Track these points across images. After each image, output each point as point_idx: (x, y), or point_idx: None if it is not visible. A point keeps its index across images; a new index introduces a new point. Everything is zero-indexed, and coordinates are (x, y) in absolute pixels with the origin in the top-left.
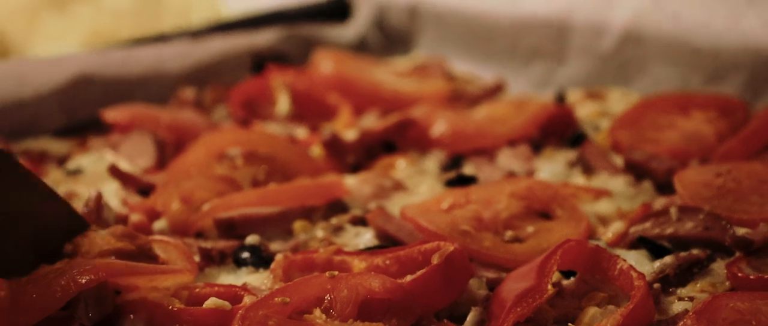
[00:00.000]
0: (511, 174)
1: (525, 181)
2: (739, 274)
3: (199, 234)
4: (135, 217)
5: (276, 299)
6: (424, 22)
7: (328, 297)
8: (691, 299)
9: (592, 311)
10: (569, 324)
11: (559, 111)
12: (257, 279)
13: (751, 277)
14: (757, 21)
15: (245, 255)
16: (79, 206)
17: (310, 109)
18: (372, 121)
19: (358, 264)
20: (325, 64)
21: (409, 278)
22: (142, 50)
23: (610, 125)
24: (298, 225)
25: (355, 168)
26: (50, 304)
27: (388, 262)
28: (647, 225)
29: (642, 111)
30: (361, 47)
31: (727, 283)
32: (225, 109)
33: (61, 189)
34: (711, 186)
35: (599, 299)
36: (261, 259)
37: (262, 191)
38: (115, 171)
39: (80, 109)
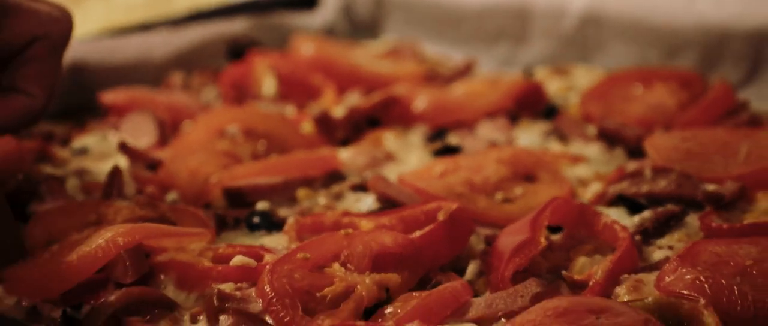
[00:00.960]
0: (493, 144)
1: (510, 149)
2: (713, 224)
3: (207, 205)
4: (148, 190)
5: (298, 255)
6: (391, 8)
7: (344, 252)
8: (670, 248)
9: (582, 260)
10: (562, 272)
11: (531, 86)
12: (272, 241)
13: (724, 226)
14: (709, 2)
15: (257, 219)
16: (91, 181)
17: (294, 90)
18: (357, 100)
19: (365, 224)
20: (306, 47)
21: (418, 233)
22: (128, 39)
23: (580, 98)
24: (301, 192)
25: (343, 143)
26: (90, 265)
27: (393, 222)
28: (624, 184)
29: (609, 84)
30: (329, 34)
31: (701, 234)
32: (212, 92)
33: (72, 166)
34: (679, 150)
35: (586, 250)
36: (272, 223)
37: (265, 163)
38: (124, 148)
39: (75, 94)
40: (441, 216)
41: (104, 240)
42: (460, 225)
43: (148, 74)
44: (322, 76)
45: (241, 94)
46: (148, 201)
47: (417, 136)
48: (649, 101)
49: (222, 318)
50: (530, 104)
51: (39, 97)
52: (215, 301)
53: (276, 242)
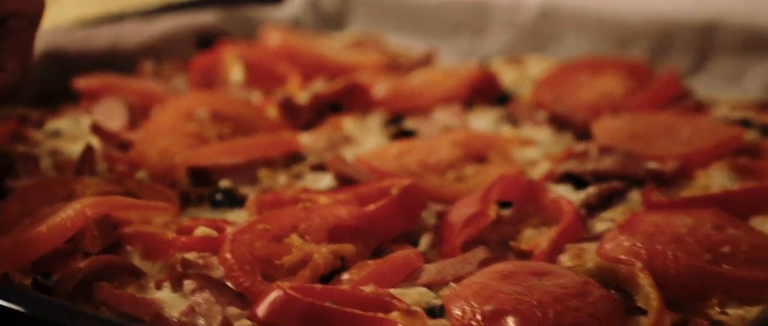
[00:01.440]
0: (447, 128)
1: (463, 132)
2: (653, 199)
3: (172, 184)
4: (119, 168)
5: (258, 226)
6: (356, 2)
7: (302, 224)
8: (612, 220)
9: (529, 232)
10: (510, 242)
11: (486, 75)
12: (234, 216)
13: (664, 200)
14: None
15: (219, 197)
16: (64, 160)
17: (261, 77)
18: (321, 86)
19: (323, 199)
20: (273, 37)
21: (372, 207)
22: (101, 29)
23: (533, 86)
24: (262, 172)
25: (305, 128)
26: (59, 235)
27: (349, 197)
28: (571, 163)
29: (561, 73)
30: (296, 27)
31: (643, 208)
32: (182, 80)
33: (46, 147)
34: (624, 132)
35: (533, 223)
36: (234, 200)
37: (228, 144)
38: (96, 129)
39: (49, 80)
40: (394, 191)
41: (73, 211)
42: (412, 200)
43: (119, 62)
44: (287, 64)
45: (209, 81)
46: (115, 178)
47: (375, 121)
48: (598, 88)
49: (186, 282)
50: (485, 92)
51: (15, 72)
52: (179, 268)
53: (237, 217)
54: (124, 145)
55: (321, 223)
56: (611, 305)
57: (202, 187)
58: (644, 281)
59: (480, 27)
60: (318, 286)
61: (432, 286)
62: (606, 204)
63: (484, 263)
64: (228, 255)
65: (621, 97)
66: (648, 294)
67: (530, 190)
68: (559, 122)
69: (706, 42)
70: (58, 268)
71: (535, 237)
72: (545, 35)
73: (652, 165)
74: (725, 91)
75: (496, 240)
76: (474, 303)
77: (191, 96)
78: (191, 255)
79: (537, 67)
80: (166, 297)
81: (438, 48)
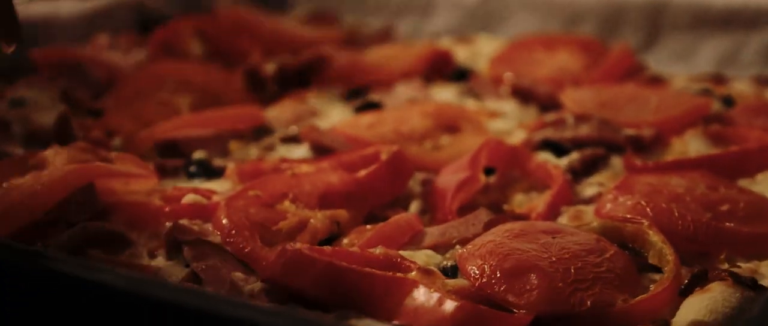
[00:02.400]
0: (412, 101)
1: (432, 103)
2: (638, 164)
3: (141, 156)
4: (95, 134)
5: (250, 192)
6: None
7: (292, 191)
8: (600, 184)
9: (519, 197)
10: (503, 206)
11: (441, 51)
12: (214, 186)
13: (650, 164)
14: None
15: (194, 168)
16: (35, 129)
17: (220, 51)
18: (286, 59)
19: (305, 168)
20: (231, 12)
21: (363, 172)
22: (37, 4)
23: (489, 63)
24: (233, 144)
25: (270, 100)
26: (42, 204)
27: (332, 165)
28: (549, 131)
29: (514, 50)
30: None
31: (626, 173)
32: (140, 53)
33: (12, 116)
34: (594, 101)
35: (521, 188)
36: (210, 171)
37: (194, 116)
38: (66, 97)
39: None
40: (384, 156)
41: (56, 178)
42: (401, 166)
43: (56, 35)
44: (247, 38)
45: (169, 55)
46: (89, 147)
47: (335, 95)
48: (554, 64)
49: (186, 249)
50: (440, 68)
51: None
52: (174, 234)
53: (219, 186)
54: (95, 113)
55: (312, 190)
56: (626, 261)
57: (171, 159)
58: (655, 238)
59: (426, 7)
60: (327, 248)
61: (437, 248)
62: (590, 169)
63: (489, 224)
64: (225, 221)
65: (578, 71)
66: (662, 249)
67: (514, 156)
68: (522, 95)
69: (656, 19)
70: (39, 238)
71: (526, 202)
72: (492, 15)
73: (629, 131)
74: (676, 67)
75: (487, 205)
76: (492, 261)
77: (160, 65)
78: (183, 222)
79: (487, 45)
80: (162, 264)
81: (394, 24)
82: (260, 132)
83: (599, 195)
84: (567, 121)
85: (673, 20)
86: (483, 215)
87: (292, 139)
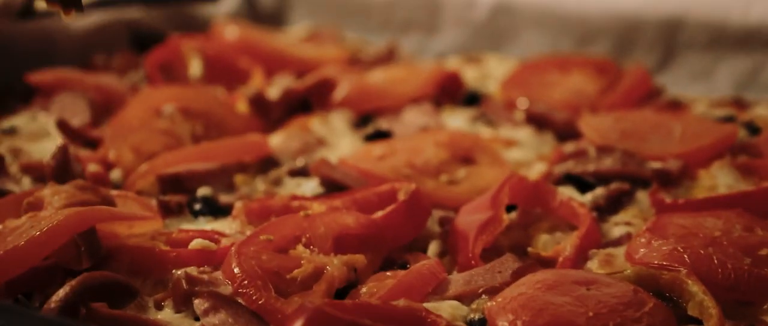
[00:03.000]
0: (424, 128)
1: (446, 132)
2: (667, 200)
3: (139, 192)
4: (92, 168)
5: (261, 237)
6: (296, 2)
7: (306, 234)
8: (627, 224)
9: (543, 238)
10: (528, 248)
11: (451, 73)
12: (221, 226)
13: (679, 202)
14: None
15: (199, 206)
16: (29, 161)
17: (221, 73)
18: (289, 82)
19: (317, 207)
20: (230, 31)
21: (380, 213)
22: (29, 24)
23: (500, 86)
24: (239, 178)
25: (275, 126)
26: (39, 251)
27: (346, 204)
28: (570, 164)
29: (527, 71)
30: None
31: (652, 210)
32: (137, 74)
33: (4, 147)
34: (615, 130)
35: (545, 228)
36: (216, 209)
37: (197, 148)
38: (62, 126)
39: None
40: (402, 196)
41: (54, 224)
42: (419, 206)
43: (50, 58)
44: (248, 59)
45: (167, 76)
46: (88, 186)
47: (341, 121)
48: (568, 86)
49: (196, 301)
50: (450, 91)
51: None
52: (184, 285)
53: (226, 227)
54: (92, 144)
55: (326, 232)
56: (667, 314)
57: (174, 195)
58: (695, 288)
59: (431, 24)
60: (348, 302)
61: (462, 298)
62: (615, 206)
63: (517, 273)
64: (236, 270)
65: (594, 95)
66: (702, 301)
67: (536, 193)
68: (538, 121)
69: (671, 38)
70: (37, 286)
71: (552, 243)
72: (500, 32)
73: (654, 164)
74: (693, 87)
75: (510, 247)
76: (525, 317)
77: (159, 90)
78: (191, 270)
79: (498, 66)
80: (170, 318)
81: (398, 42)
82: (267, 164)
83: (628, 236)
84: (589, 152)
85: (689, 38)
86: (510, 262)
87: (300, 172)
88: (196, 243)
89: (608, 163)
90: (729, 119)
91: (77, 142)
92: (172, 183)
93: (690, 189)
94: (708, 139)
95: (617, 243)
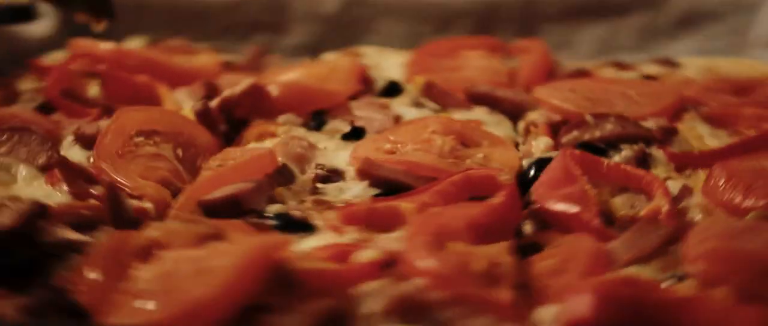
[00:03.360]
0: (397, 118)
1: (437, 119)
2: (694, 153)
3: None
4: (142, 205)
5: (421, 238)
6: (124, 13)
7: (446, 230)
8: (668, 178)
9: (617, 201)
10: (619, 213)
11: (363, 67)
12: (313, 241)
13: (706, 151)
14: None
15: (276, 222)
16: None
17: (119, 91)
18: (197, 95)
19: (405, 205)
20: (103, 46)
21: (498, 199)
22: None
23: (407, 74)
24: (280, 191)
25: (228, 141)
26: (232, 293)
27: (434, 198)
28: (575, 133)
29: (421, 59)
30: (55, 44)
31: (671, 165)
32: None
33: None
34: (579, 98)
35: (607, 194)
36: (292, 223)
37: (216, 172)
38: (63, 165)
39: None
40: (505, 180)
41: (238, 262)
42: (516, 190)
43: None
44: (146, 75)
45: (73, 98)
46: (191, 218)
47: (299, 126)
48: (477, 66)
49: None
50: (367, 84)
51: None
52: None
53: (322, 240)
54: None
55: (458, 225)
56: None
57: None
58: None
59: (278, 24)
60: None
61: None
62: (643, 166)
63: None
64: (442, 270)
65: (506, 72)
66: None
67: (588, 162)
68: (482, 101)
69: (528, 13)
70: None
71: (627, 205)
72: (354, 25)
73: (647, 123)
74: (559, 57)
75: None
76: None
77: (125, 115)
78: (377, 284)
79: (375, 57)
80: None
81: (228, 51)
82: (283, 173)
83: (685, 188)
84: (588, 120)
85: (543, 12)
86: (655, 226)
87: (330, 178)
88: (367, 255)
89: (609, 128)
90: (649, 78)
91: (79, 181)
92: (232, 206)
93: (681, 142)
94: (672, 97)
95: (680, 197)
